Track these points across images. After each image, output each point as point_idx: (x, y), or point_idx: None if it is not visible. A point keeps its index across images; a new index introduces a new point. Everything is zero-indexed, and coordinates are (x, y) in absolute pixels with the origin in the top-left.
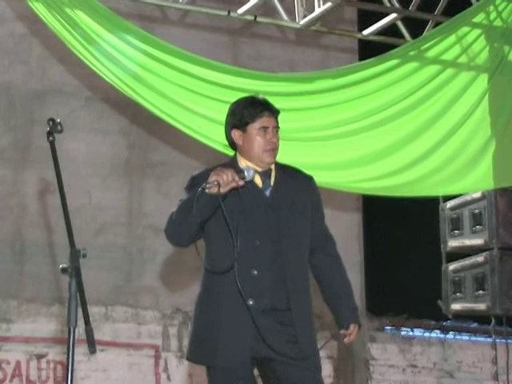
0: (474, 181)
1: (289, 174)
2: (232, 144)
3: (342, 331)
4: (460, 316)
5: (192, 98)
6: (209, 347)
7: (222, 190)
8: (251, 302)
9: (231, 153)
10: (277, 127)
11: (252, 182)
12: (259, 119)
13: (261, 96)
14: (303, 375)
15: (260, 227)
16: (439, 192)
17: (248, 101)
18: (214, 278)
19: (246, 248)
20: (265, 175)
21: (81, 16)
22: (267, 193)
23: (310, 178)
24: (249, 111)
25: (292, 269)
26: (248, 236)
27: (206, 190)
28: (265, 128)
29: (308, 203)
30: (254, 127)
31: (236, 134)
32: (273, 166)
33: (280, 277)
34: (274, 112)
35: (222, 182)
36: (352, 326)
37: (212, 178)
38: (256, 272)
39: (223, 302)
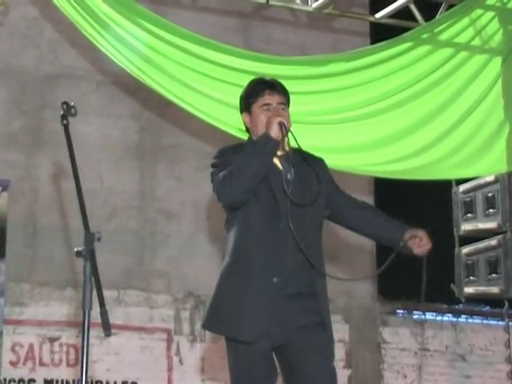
0: (487, 164)
1: (303, 158)
2: (247, 128)
3: (407, 237)
4: (473, 299)
5: (203, 80)
6: (228, 318)
7: (285, 133)
8: (275, 279)
9: (243, 136)
10: (284, 104)
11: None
12: (261, 98)
13: (268, 77)
14: (319, 362)
15: (284, 210)
16: (453, 175)
17: (251, 82)
18: (243, 249)
19: (270, 230)
20: (284, 159)
21: None
22: (289, 176)
23: (321, 160)
24: (251, 91)
25: (315, 254)
26: (272, 218)
27: (272, 134)
28: (267, 105)
29: (324, 184)
30: (257, 106)
31: (245, 118)
32: (289, 148)
33: (303, 260)
34: (277, 89)
35: (286, 123)
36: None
37: (275, 120)
38: (280, 253)
39: (250, 275)
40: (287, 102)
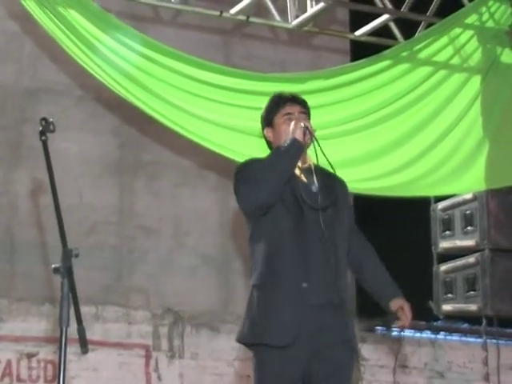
0: (466, 182)
1: (326, 174)
2: (269, 145)
3: (395, 308)
4: (451, 317)
5: (185, 97)
6: (260, 326)
7: (307, 136)
8: (305, 285)
9: (227, 153)
10: (305, 113)
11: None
12: (282, 109)
13: (287, 92)
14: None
15: (309, 222)
16: (432, 193)
17: (271, 98)
18: (273, 259)
19: (298, 240)
20: (307, 172)
21: (74, 15)
22: (313, 189)
23: (343, 180)
24: (271, 106)
25: (342, 267)
26: (300, 229)
27: (297, 136)
28: (289, 114)
29: (345, 203)
30: (279, 117)
31: (268, 132)
32: (311, 163)
33: (331, 271)
34: (298, 101)
35: (310, 128)
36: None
37: (299, 124)
38: (309, 263)
39: (281, 285)
40: (308, 113)
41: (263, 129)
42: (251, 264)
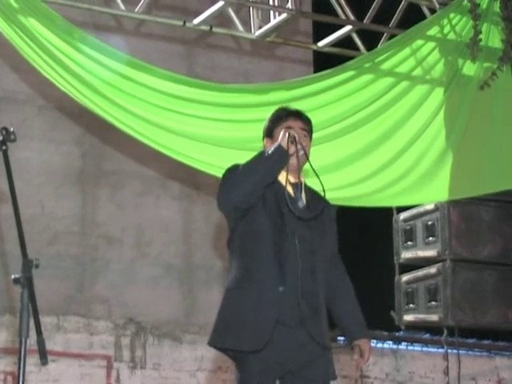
0: (429, 192)
1: (316, 196)
2: None
3: (355, 346)
4: (413, 327)
5: (146, 107)
6: (233, 330)
7: (298, 147)
8: (281, 288)
9: (188, 161)
10: (306, 131)
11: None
12: (284, 122)
13: (292, 107)
14: None
15: (290, 233)
16: (396, 203)
17: (276, 110)
18: (251, 266)
19: (275, 250)
20: (296, 188)
21: (34, 24)
22: (300, 205)
23: (332, 206)
24: (274, 118)
25: (321, 286)
26: (280, 238)
27: (282, 143)
28: (289, 128)
29: (330, 228)
30: (279, 130)
31: (266, 143)
32: (303, 180)
33: (309, 289)
34: (301, 117)
35: (297, 137)
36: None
37: (288, 132)
38: (284, 273)
39: (258, 291)
40: (310, 131)
41: (263, 138)
42: (229, 266)
